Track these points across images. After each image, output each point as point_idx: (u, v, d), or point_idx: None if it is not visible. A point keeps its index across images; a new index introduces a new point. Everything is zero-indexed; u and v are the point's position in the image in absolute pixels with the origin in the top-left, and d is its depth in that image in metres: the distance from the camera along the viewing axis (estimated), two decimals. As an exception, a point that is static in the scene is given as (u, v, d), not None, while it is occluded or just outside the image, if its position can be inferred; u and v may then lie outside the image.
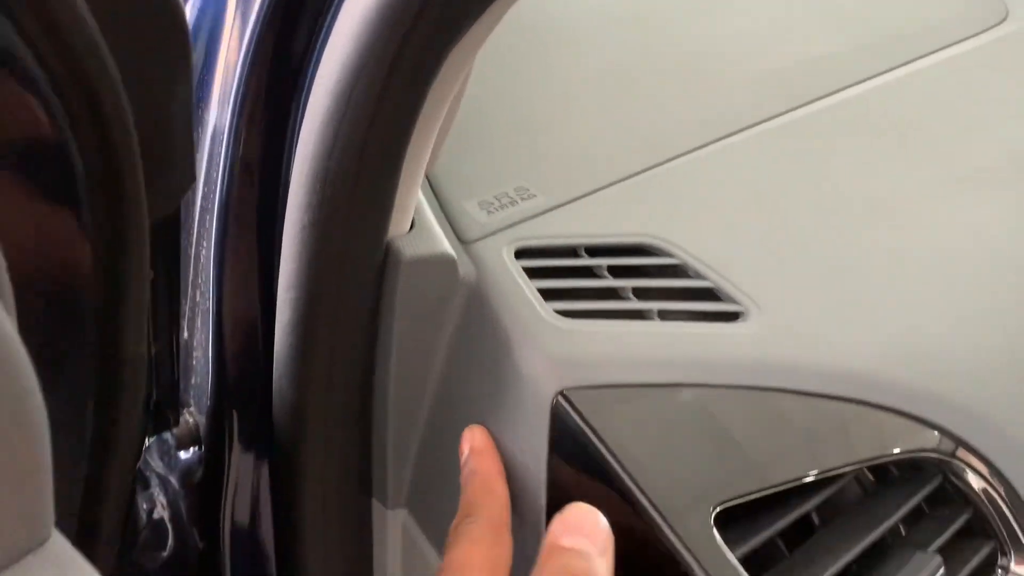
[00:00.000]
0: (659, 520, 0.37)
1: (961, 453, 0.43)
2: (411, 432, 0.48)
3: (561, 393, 0.40)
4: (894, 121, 0.62)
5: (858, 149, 0.58)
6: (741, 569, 0.36)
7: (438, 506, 0.49)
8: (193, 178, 0.35)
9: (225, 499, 0.52)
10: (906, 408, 0.43)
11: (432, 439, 0.48)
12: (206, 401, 0.48)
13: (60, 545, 0.27)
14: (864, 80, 0.64)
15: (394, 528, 0.51)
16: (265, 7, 0.38)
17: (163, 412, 0.48)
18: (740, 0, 0.73)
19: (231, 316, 0.45)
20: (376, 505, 0.51)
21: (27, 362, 0.24)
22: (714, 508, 0.37)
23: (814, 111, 0.60)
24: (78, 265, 0.27)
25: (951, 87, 0.66)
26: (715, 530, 0.37)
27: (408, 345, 0.45)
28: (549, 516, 0.41)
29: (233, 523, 0.53)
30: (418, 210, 0.45)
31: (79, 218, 0.27)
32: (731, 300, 0.45)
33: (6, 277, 0.22)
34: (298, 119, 0.38)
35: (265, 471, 0.50)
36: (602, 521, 0.34)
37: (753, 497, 0.38)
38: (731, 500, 0.38)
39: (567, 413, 0.40)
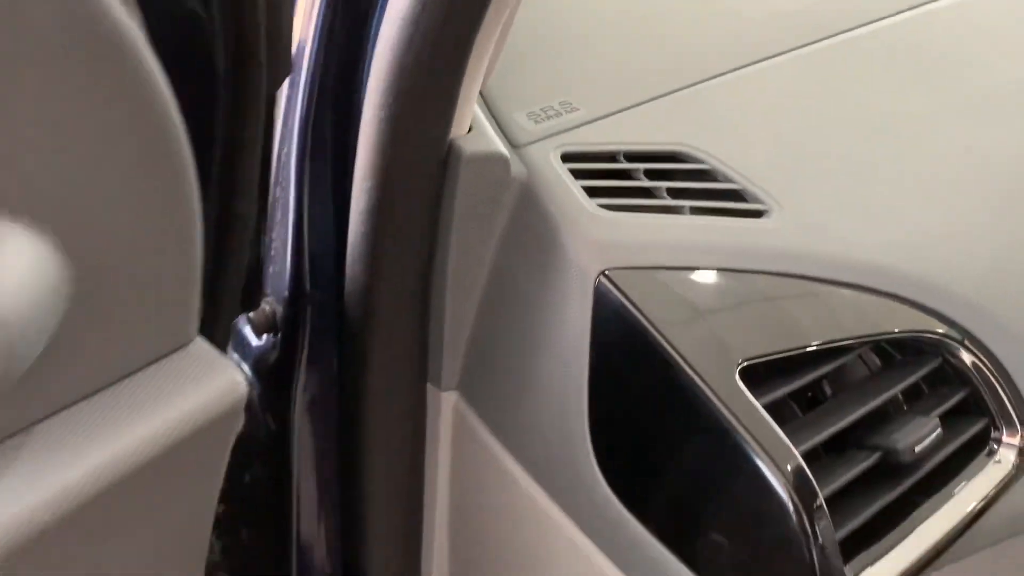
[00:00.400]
0: (692, 375, 0.42)
1: (957, 336, 0.48)
2: (464, 319, 0.53)
3: (603, 273, 0.46)
4: (912, 53, 0.66)
5: (877, 76, 0.63)
6: (763, 411, 0.41)
7: (488, 388, 0.54)
8: (291, 67, 0.41)
9: (296, 384, 0.58)
10: (909, 295, 0.48)
11: (483, 326, 0.53)
12: (284, 289, 0.54)
13: (202, 346, 0.33)
14: (886, 17, 0.69)
15: (446, 409, 0.57)
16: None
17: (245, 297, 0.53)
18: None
19: (310, 208, 0.51)
20: (430, 388, 0.57)
21: (195, 186, 0.29)
22: (739, 364, 0.43)
23: (838, 42, 0.65)
24: (210, 126, 0.33)
25: (968, 25, 0.71)
26: (740, 381, 0.42)
27: (464, 236, 0.50)
28: (591, 388, 0.47)
29: (303, 406, 0.59)
30: (474, 118, 0.51)
31: (214, 87, 0.32)
32: (756, 200, 0.50)
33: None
34: (377, 21, 0.43)
35: (335, 357, 0.56)
36: None
37: (772, 357, 0.44)
38: (753, 359, 0.43)
39: (608, 290, 0.46)
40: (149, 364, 0.31)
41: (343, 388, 0.56)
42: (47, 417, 0.30)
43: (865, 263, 0.49)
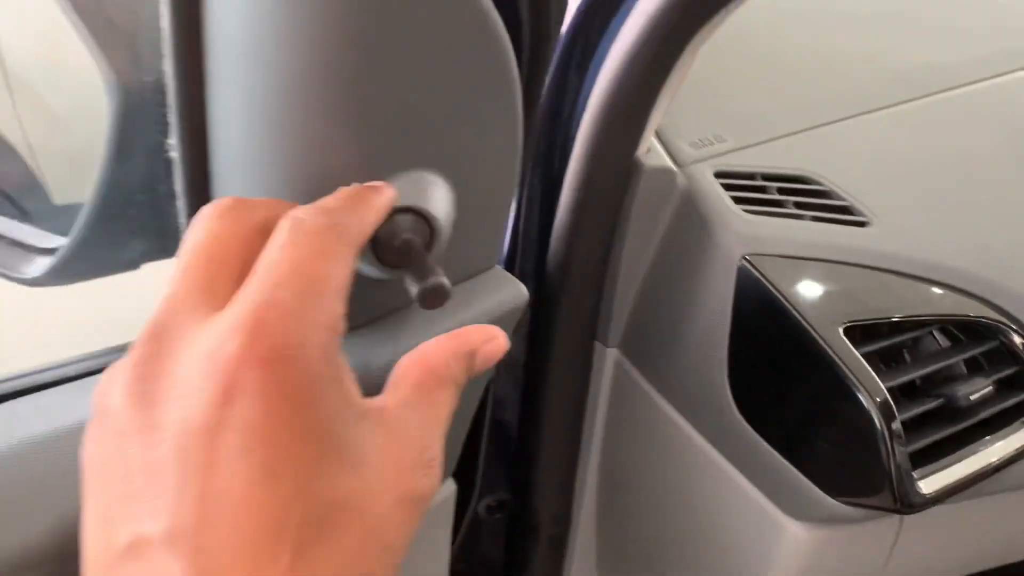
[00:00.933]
0: (809, 329, 0.59)
1: (1012, 324, 0.64)
2: (630, 291, 0.71)
3: (744, 257, 0.63)
4: (1008, 112, 0.82)
5: (971, 127, 0.79)
6: (860, 357, 0.58)
7: (646, 345, 0.72)
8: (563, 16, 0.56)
9: None
10: (977, 291, 0.64)
11: (645, 297, 0.71)
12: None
13: (501, 271, 0.51)
14: (991, 77, 0.85)
15: (608, 362, 0.75)
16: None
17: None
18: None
19: (528, 200, 0.69)
20: (597, 346, 0.75)
21: (521, 129, 0.46)
22: (843, 324, 0.59)
23: (943, 99, 0.81)
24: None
25: None
26: (843, 335, 0.59)
27: (637, 228, 0.68)
28: (731, 343, 0.64)
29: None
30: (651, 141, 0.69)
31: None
32: (860, 214, 0.67)
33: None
34: (596, 69, 0.62)
35: (529, 317, 0.74)
36: None
37: (866, 322, 0.60)
38: (853, 321, 0.60)
39: (748, 270, 0.63)
40: (471, 277, 0.50)
41: (533, 341, 0.74)
42: (401, 308, 0.49)
43: (943, 265, 0.65)
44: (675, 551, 0.76)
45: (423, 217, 0.42)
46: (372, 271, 0.43)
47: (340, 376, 0.30)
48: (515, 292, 0.51)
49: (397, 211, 0.41)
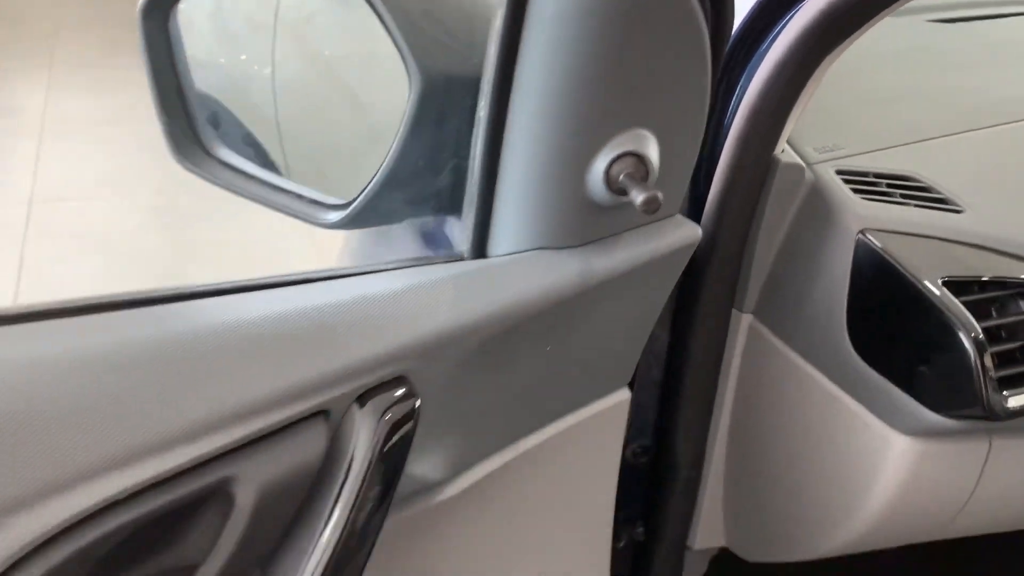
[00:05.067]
0: (917, 283, 0.76)
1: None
2: (765, 264, 0.89)
3: (861, 231, 0.80)
4: None
5: None
6: (959, 302, 0.74)
7: (777, 308, 0.89)
8: None
9: None
10: None
11: (777, 269, 0.88)
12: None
13: (681, 217, 0.70)
14: None
15: (743, 326, 0.92)
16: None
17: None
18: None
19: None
20: (734, 312, 0.92)
21: (709, 87, 0.66)
22: (942, 278, 0.76)
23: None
24: None
25: None
26: (943, 286, 0.75)
27: (772, 211, 0.86)
28: (849, 297, 0.80)
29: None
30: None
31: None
32: (955, 204, 0.84)
33: None
34: (751, 73, 0.80)
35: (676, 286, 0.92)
36: None
37: (961, 279, 0.76)
38: (951, 277, 0.76)
39: (864, 242, 0.80)
40: (660, 220, 0.68)
41: (679, 308, 0.92)
42: (615, 234, 0.67)
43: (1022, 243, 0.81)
44: (793, 477, 0.91)
45: (641, 159, 0.61)
46: (604, 198, 0.62)
47: None
48: (692, 232, 0.70)
49: (624, 154, 0.61)
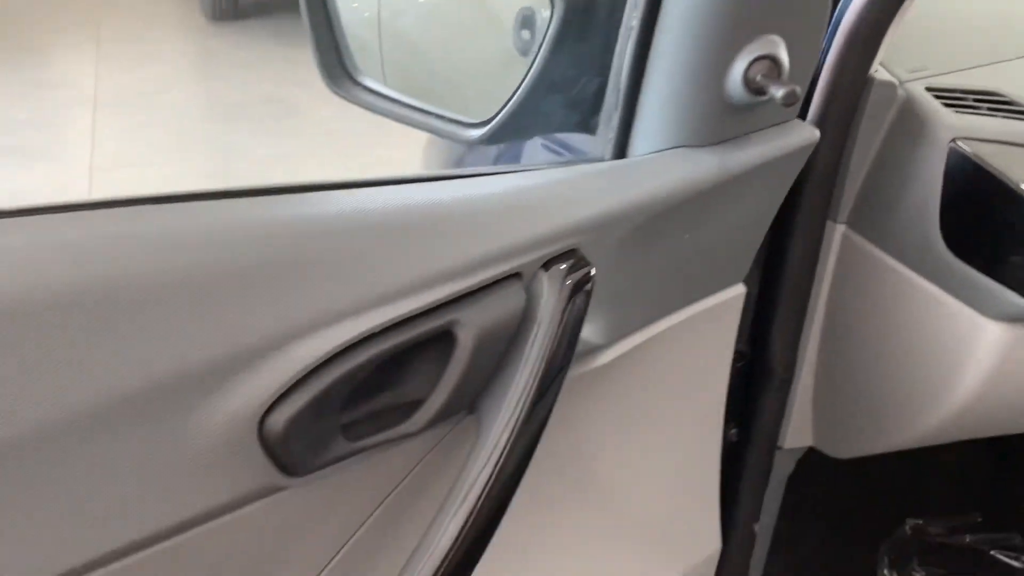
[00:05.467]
0: (1007, 181, 0.83)
1: None
2: (859, 173, 0.96)
3: (953, 140, 0.88)
4: None
5: None
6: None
7: (871, 216, 0.97)
8: None
9: None
10: None
11: (871, 179, 0.96)
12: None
13: (799, 121, 0.78)
14: None
15: (836, 236, 1.00)
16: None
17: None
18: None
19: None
20: (828, 224, 1.00)
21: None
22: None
23: None
24: None
25: None
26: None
27: (867, 125, 0.94)
28: (942, 198, 0.88)
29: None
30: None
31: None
32: None
33: None
34: (844, 5, 0.88)
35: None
36: None
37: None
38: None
39: (955, 149, 0.88)
40: (780, 124, 0.77)
41: (776, 221, 1.00)
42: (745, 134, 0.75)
43: None
44: (883, 372, 1.00)
45: (775, 61, 0.70)
46: (741, 98, 0.70)
47: None
48: (811, 134, 0.78)
49: (760, 57, 0.69)
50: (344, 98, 0.92)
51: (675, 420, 0.92)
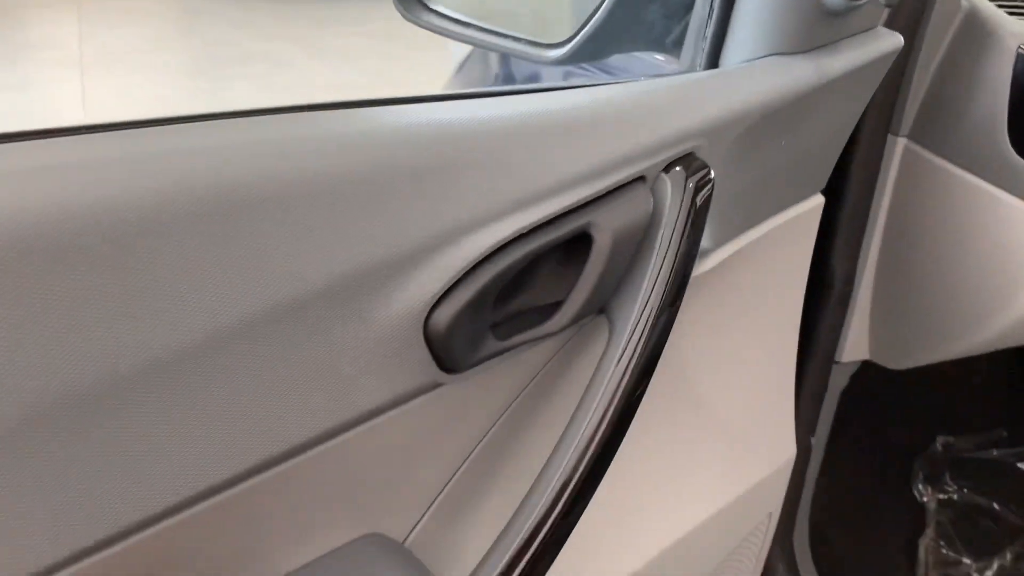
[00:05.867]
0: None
1: None
2: (922, 86, 0.98)
3: (1019, 47, 0.90)
4: None
5: None
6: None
7: (933, 127, 0.99)
8: None
9: None
10: None
11: (935, 91, 0.98)
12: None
13: (884, 28, 0.80)
14: None
15: (898, 150, 1.02)
16: None
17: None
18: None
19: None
20: (890, 138, 1.02)
21: None
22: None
23: None
24: None
25: None
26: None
27: (930, 41, 0.95)
28: (1011, 106, 0.90)
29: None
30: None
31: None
32: None
33: None
34: None
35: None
36: None
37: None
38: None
39: (1023, 57, 0.90)
40: (866, 31, 0.78)
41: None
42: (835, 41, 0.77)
43: None
44: (946, 281, 1.02)
45: None
46: (836, 4, 0.72)
47: None
48: (896, 40, 0.79)
49: None
50: (419, 25, 0.92)
51: (759, 328, 0.94)
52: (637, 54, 0.92)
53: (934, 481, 1.63)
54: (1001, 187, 0.93)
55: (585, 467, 0.59)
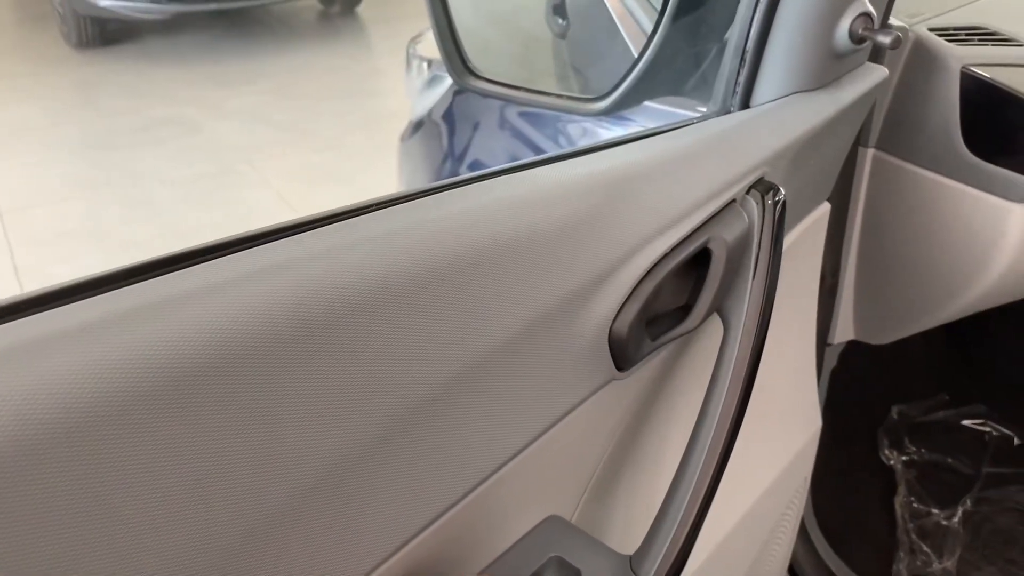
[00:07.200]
0: (1013, 92, 1.06)
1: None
2: (883, 106, 1.17)
3: (964, 66, 1.10)
4: None
5: None
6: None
7: (898, 136, 1.18)
8: None
9: None
10: None
11: (895, 104, 1.17)
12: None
13: (872, 64, 0.98)
14: None
15: (868, 159, 1.21)
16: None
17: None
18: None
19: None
20: (860, 150, 1.21)
21: None
22: (1034, 88, 1.07)
23: None
24: None
25: None
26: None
27: (887, 66, 1.15)
28: (961, 112, 1.10)
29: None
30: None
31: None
32: (1018, 40, 1.15)
33: None
34: None
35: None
36: None
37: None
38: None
39: (967, 73, 1.10)
40: (861, 66, 0.96)
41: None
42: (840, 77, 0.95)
43: None
44: (920, 263, 1.22)
45: (869, 17, 0.89)
46: (845, 47, 0.89)
47: None
48: (882, 72, 0.98)
49: (860, 13, 0.88)
50: (475, 92, 1.06)
51: (789, 316, 1.10)
52: (648, 102, 1.08)
53: (897, 445, 1.84)
54: (960, 181, 1.13)
55: (724, 442, 0.73)
